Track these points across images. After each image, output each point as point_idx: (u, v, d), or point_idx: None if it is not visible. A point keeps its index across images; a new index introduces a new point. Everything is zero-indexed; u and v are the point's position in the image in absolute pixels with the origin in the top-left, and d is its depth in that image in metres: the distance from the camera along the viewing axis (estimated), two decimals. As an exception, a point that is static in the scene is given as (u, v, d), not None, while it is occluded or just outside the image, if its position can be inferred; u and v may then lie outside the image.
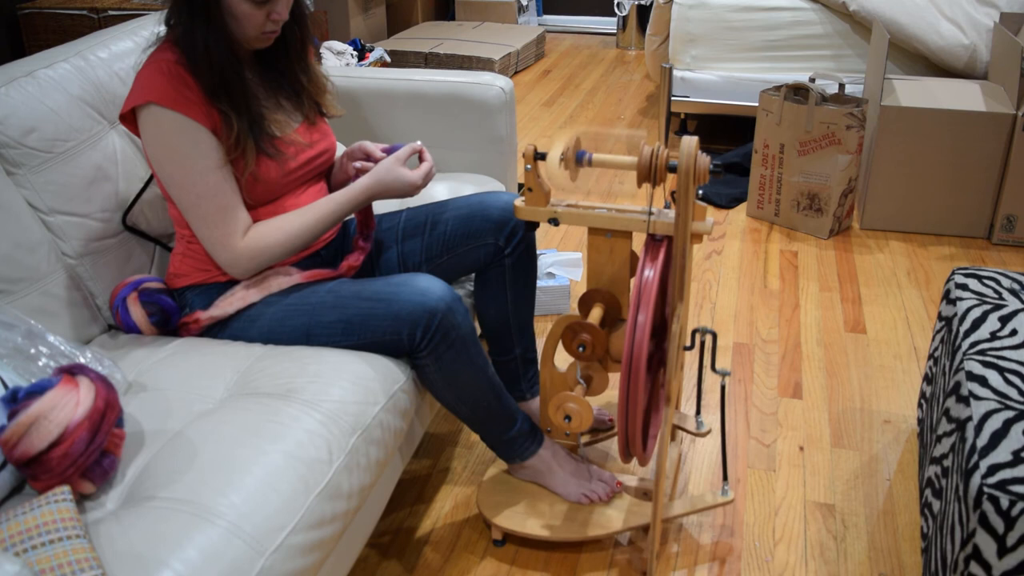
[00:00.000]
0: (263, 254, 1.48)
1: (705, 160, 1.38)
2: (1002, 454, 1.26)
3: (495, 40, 4.88)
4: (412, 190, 1.54)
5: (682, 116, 3.82)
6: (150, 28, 1.85)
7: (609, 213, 1.49)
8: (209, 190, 1.43)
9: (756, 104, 3.41)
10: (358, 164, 1.63)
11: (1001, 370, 1.45)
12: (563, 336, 1.53)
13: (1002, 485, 1.22)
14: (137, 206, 1.66)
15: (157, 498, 1.12)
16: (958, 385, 1.48)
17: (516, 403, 1.64)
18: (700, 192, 1.89)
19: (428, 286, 1.44)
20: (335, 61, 3.78)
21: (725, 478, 1.65)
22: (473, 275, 1.81)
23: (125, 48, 1.77)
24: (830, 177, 2.80)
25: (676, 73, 3.56)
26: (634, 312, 1.37)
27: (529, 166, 1.49)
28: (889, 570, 1.62)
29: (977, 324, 1.60)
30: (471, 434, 1.98)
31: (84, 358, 1.36)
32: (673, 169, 1.41)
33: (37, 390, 1.14)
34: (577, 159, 1.48)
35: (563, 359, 2.26)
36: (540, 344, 2.23)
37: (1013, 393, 1.39)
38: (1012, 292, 1.70)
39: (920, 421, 1.89)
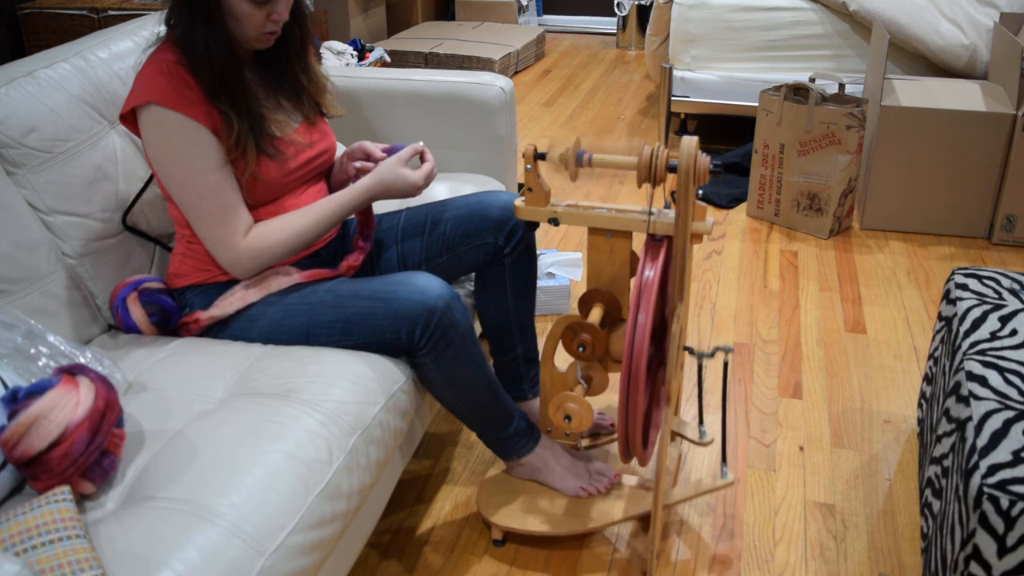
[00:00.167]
0: (265, 254, 1.48)
1: (705, 160, 1.38)
2: (1002, 454, 1.26)
3: (495, 40, 4.88)
4: (414, 191, 1.54)
5: (682, 116, 3.82)
6: (150, 28, 1.85)
7: (609, 213, 1.49)
8: (210, 190, 1.43)
9: (756, 104, 3.41)
10: (358, 164, 1.64)
11: (1001, 370, 1.45)
12: (563, 336, 1.53)
13: (1002, 485, 1.22)
14: (137, 206, 1.66)
15: (157, 498, 1.12)
16: (958, 385, 1.48)
17: (513, 401, 1.64)
18: (700, 192, 1.90)
19: (427, 284, 1.45)
20: (335, 61, 3.78)
21: (724, 460, 1.64)
22: (473, 275, 1.81)
23: (125, 48, 1.77)
24: (830, 177, 2.80)
25: (676, 73, 3.56)
26: (634, 312, 1.37)
27: (529, 166, 1.49)
28: (889, 570, 1.62)
29: (977, 324, 1.60)
30: (471, 434, 1.99)
31: (84, 358, 1.36)
32: (673, 169, 1.41)
33: (37, 390, 1.14)
34: (577, 159, 1.48)
35: (563, 359, 2.26)
36: (541, 344, 2.23)
37: (1013, 393, 1.39)
38: (1012, 292, 1.70)
39: (920, 421, 1.89)
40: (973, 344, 1.54)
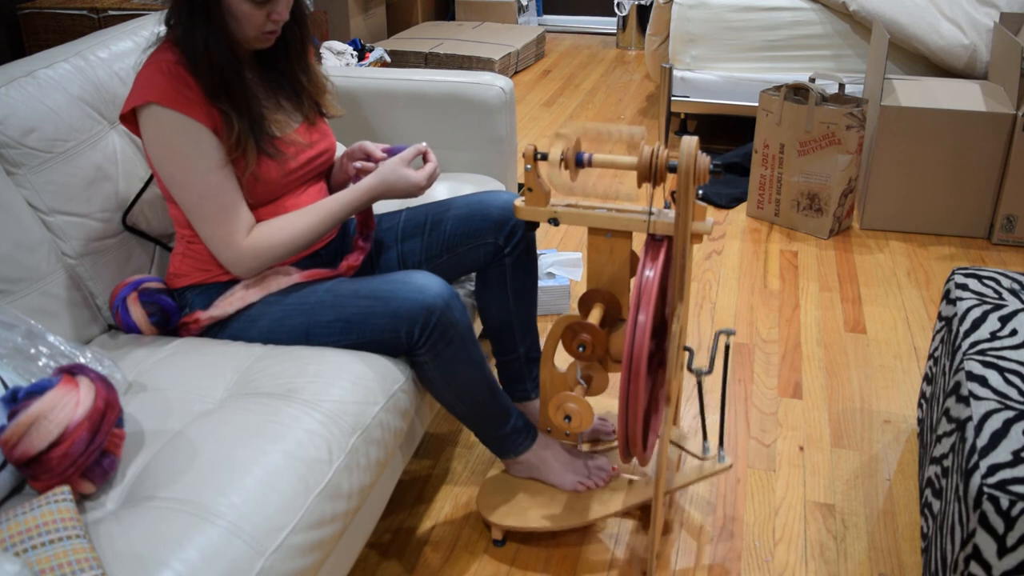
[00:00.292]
0: (267, 253, 1.48)
1: (705, 160, 1.38)
2: (1002, 454, 1.26)
3: (495, 40, 4.88)
4: (416, 191, 1.54)
5: (682, 116, 3.82)
6: (150, 28, 1.85)
7: (609, 213, 1.49)
8: (211, 190, 1.43)
9: (756, 104, 3.41)
10: (358, 164, 1.64)
11: (1001, 370, 1.45)
12: (563, 336, 1.53)
13: (1002, 485, 1.22)
14: (137, 206, 1.66)
15: (157, 498, 1.12)
16: (958, 385, 1.48)
17: (511, 400, 1.64)
18: (700, 192, 1.90)
19: (426, 283, 1.45)
20: (335, 61, 3.78)
21: (721, 444, 1.64)
22: (474, 275, 1.81)
23: (125, 48, 1.77)
24: (830, 177, 2.80)
25: (676, 73, 3.56)
26: (634, 312, 1.37)
27: (529, 166, 1.49)
28: (889, 570, 1.62)
29: (977, 324, 1.60)
30: (471, 434, 1.98)
31: (84, 358, 1.36)
32: (673, 169, 1.41)
33: (37, 390, 1.14)
34: (577, 160, 1.48)
35: (563, 359, 2.26)
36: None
37: (1013, 393, 1.39)
38: (1012, 292, 1.70)
39: (920, 421, 1.89)
40: (973, 344, 1.54)
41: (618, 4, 5.35)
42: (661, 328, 1.53)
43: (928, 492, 1.61)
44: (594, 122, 4.02)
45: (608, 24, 5.83)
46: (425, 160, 1.58)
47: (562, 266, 2.57)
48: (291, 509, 1.16)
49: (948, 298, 1.77)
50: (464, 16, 5.59)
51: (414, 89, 2.17)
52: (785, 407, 2.07)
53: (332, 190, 1.71)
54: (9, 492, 1.15)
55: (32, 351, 1.31)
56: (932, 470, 1.59)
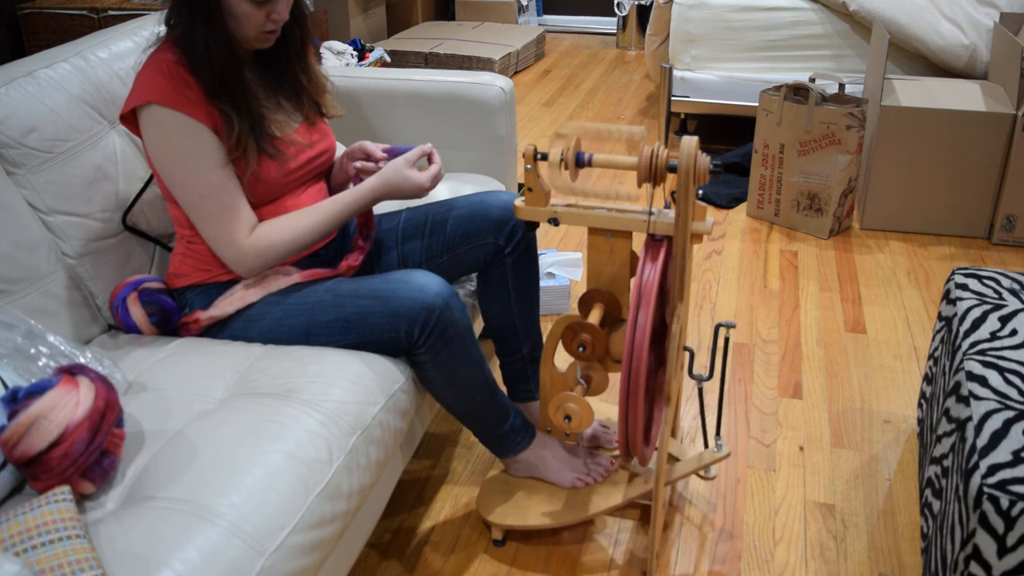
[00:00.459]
0: (269, 252, 1.48)
1: (705, 160, 1.38)
2: (1002, 454, 1.26)
3: (495, 40, 4.88)
4: (420, 192, 1.54)
5: (682, 116, 3.82)
6: (150, 28, 1.85)
7: (609, 213, 1.49)
8: (212, 189, 1.43)
9: (756, 104, 3.41)
10: (358, 164, 1.64)
11: (1001, 370, 1.45)
12: (563, 336, 1.53)
13: (1002, 485, 1.22)
14: (137, 206, 1.66)
15: (157, 498, 1.12)
16: (958, 385, 1.48)
17: (509, 399, 1.64)
18: (700, 192, 1.90)
19: (425, 282, 1.45)
20: (335, 61, 3.78)
21: (718, 433, 1.64)
22: (474, 275, 1.81)
23: (125, 48, 1.77)
24: (830, 177, 2.80)
25: (676, 73, 3.56)
26: (634, 312, 1.37)
27: (529, 166, 1.49)
28: (889, 570, 1.62)
29: (977, 324, 1.60)
30: (471, 434, 1.98)
31: (84, 358, 1.36)
32: (673, 169, 1.41)
33: (37, 390, 1.14)
34: (577, 160, 1.48)
35: (563, 359, 2.26)
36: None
37: (1013, 393, 1.39)
38: (1012, 292, 1.70)
39: (920, 421, 1.89)
40: (973, 344, 1.54)
41: (618, 4, 5.35)
42: (661, 328, 1.53)
43: (928, 492, 1.61)
44: (594, 122, 4.02)
45: (608, 24, 5.83)
46: (430, 161, 1.58)
47: (562, 266, 2.57)
48: (291, 509, 1.16)
49: (948, 298, 1.77)
50: (464, 16, 5.59)
51: (414, 89, 2.17)
52: (785, 407, 2.07)
53: (332, 190, 1.71)
54: (9, 492, 1.15)
55: (32, 351, 1.31)
56: (932, 470, 1.59)
